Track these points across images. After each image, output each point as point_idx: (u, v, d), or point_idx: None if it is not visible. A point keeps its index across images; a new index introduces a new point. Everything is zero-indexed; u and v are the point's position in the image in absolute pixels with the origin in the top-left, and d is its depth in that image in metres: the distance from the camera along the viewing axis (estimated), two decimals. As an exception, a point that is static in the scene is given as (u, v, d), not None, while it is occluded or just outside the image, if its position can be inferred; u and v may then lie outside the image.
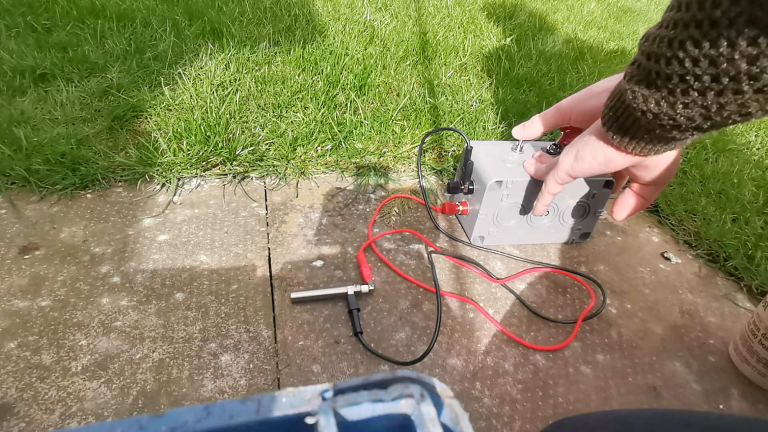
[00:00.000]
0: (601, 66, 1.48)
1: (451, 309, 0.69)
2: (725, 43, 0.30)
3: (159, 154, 0.86)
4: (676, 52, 0.33)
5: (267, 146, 0.93)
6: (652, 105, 0.38)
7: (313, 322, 0.64)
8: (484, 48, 1.49)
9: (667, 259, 0.84)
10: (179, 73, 1.09)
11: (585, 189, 0.74)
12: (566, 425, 0.38)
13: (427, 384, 0.20)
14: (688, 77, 0.34)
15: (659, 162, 0.52)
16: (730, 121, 0.35)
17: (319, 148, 0.95)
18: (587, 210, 0.78)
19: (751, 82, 0.30)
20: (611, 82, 0.57)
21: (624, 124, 0.45)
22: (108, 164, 0.84)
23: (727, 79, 0.31)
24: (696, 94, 0.34)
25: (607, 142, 0.50)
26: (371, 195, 0.89)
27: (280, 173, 0.90)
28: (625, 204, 0.61)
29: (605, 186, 0.74)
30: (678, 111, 0.36)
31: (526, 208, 0.76)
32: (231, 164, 0.88)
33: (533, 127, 0.68)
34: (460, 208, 0.79)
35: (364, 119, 1.03)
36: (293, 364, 0.59)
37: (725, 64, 0.31)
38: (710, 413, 0.45)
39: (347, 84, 1.14)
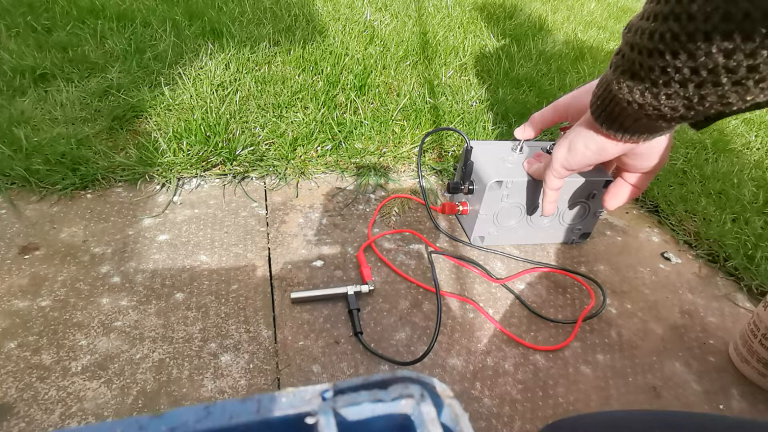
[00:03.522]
0: (601, 66, 1.48)
1: (451, 309, 0.69)
2: (702, 37, 0.31)
3: (159, 154, 0.86)
4: (657, 44, 0.34)
5: (267, 146, 0.93)
6: (637, 96, 0.39)
7: (313, 322, 0.64)
8: (484, 48, 1.49)
9: (667, 259, 0.84)
10: (179, 73, 1.09)
11: (585, 189, 0.74)
12: (563, 427, 0.38)
13: (427, 384, 0.20)
14: (669, 69, 0.34)
15: (651, 149, 0.52)
16: (713, 111, 0.35)
17: (319, 148, 0.95)
18: (587, 210, 0.78)
19: (729, 75, 0.31)
20: None
21: (612, 113, 0.46)
22: (108, 164, 0.84)
23: (706, 72, 0.32)
24: (678, 86, 0.35)
25: (598, 131, 0.50)
26: (371, 195, 0.89)
27: (280, 173, 0.90)
28: (617, 193, 0.61)
29: (605, 186, 0.74)
30: (662, 102, 0.37)
31: (528, 207, 0.76)
32: (231, 164, 0.88)
33: (531, 126, 0.68)
34: (460, 208, 0.79)
35: (364, 119, 1.03)
36: (293, 364, 0.59)
37: (703, 58, 0.31)
38: (708, 415, 0.45)
39: (347, 84, 1.14)
